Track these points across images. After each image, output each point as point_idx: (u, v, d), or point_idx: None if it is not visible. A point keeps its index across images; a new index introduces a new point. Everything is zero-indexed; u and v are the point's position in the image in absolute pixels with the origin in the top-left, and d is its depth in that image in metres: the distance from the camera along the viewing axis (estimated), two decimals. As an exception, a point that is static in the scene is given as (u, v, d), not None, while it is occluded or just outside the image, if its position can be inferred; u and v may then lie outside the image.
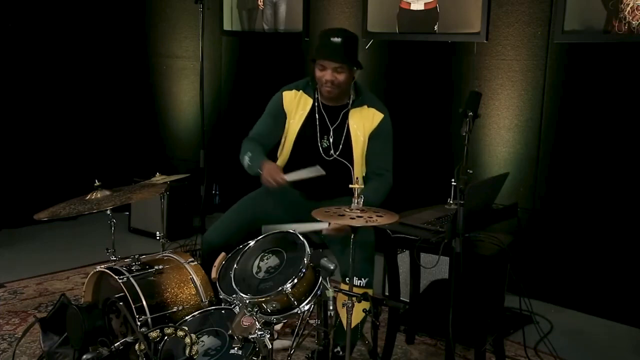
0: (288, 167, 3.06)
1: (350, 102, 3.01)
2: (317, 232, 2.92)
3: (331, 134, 3.00)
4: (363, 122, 2.99)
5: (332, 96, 2.96)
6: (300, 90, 3.05)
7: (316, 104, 3.03)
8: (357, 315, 2.62)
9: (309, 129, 3.02)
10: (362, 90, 3.05)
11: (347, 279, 2.72)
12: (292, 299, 2.38)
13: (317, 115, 3.02)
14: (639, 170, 3.51)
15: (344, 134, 2.99)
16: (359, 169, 2.99)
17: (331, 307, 2.40)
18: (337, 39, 2.86)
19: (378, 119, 2.99)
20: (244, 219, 3.02)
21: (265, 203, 3.08)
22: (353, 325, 2.52)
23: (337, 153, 2.99)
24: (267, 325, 2.40)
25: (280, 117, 3.07)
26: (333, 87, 2.90)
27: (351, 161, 2.99)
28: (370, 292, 2.77)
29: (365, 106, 3.00)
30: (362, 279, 2.75)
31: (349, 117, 2.99)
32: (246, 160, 2.97)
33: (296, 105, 3.04)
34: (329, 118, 3.02)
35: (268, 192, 3.11)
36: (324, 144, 3.01)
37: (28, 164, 5.13)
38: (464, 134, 2.42)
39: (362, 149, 2.99)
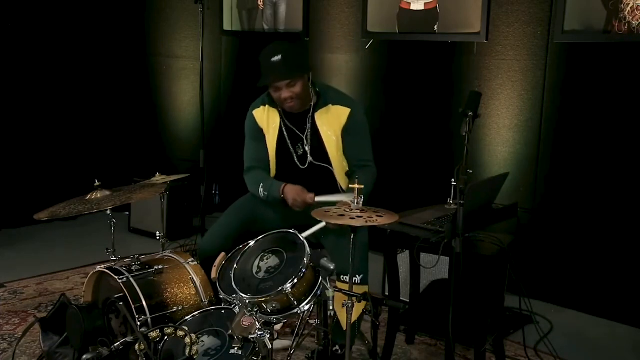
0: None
1: (313, 105, 2.99)
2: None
3: (305, 141, 3.00)
4: (330, 121, 2.97)
5: (296, 108, 2.95)
6: (267, 105, 3.04)
7: (281, 115, 3.02)
8: (355, 312, 2.62)
9: (283, 141, 3.03)
10: (322, 89, 3.02)
11: (341, 276, 2.75)
12: (292, 299, 2.39)
13: (285, 125, 3.02)
14: (638, 170, 3.51)
15: (316, 138, 2.98)
16: (339, 169, 3.00)
17: (331, 307, 2.41)
18: (276, 58, 2.82)
19: (345, 114, 2.97)
20: (237, 223, 3.04)
21: (258, 207, 3.09)
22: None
23: (312, 159, 2.99)
24: (267, 325, 2.40)
25: (261, 135, 3.06)
26: (293, 101, 2.90)
27: (329, 163, 2.99)
28: (366, 288, 2.78)
29: (330, 105, 2.98)
30: (357, 276, 2.77)
31: (315, 120, 2.98)
32: (261, 191, 2.99)
33: (267, 121, 3.04)
34: (296, 126, 3.01)
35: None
36: (299, 151, 3.01)
37: (28, 164, 5.13)
38: (464, 133, 2.42)
39: (337, 148, 2.98)
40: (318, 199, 2.86)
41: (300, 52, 2.97)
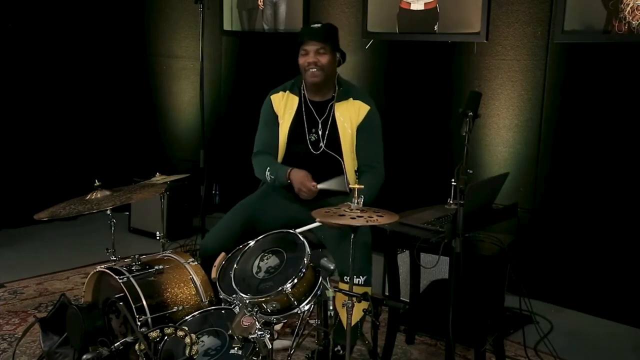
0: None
1: (335, 95, 3.04)
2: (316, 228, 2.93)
3: (319, 127, 3.03)
4: (349, 114, 3.02)
5: (317, 81, 2.98)
6: (287, 91, 3.11)
7: (302, 100, 3.07)
8: (356, 314, 2.62)
9: (298, 126, 3.06)
10: (345, 83, 3.10)
11: (345, 277, 2.73)
12: (292, 299, 2.38)
13: (304, 110, 3.06)
14: (638, 170, 3.51)
15: (332, 127, 3.02)
16: (349, 163, 3.02)
17: (331, 307, 2.40)
18: (317, 25, 3.00)
19: (364, 111, 3.03)
20: (241, 224, 3.04)
21: (261, 206, 3.09)
22: (352, 324, 2.52)
23: (324, 145, 3.01)
24: (267, 325, 2.40)
25: (275, 120, 3.11)
26: (317, 68, 2.95)
27: (340, 155, 3.02)
28: (369, 289, 2.77)
29: (351, 99, 3.04)
30: (361, 277, 2.76)
31: (335, 110, 3.03)
32: (267, 175, 3.02)
33: (284, 106, 3.09)
34: (316, 112, 3.05)
35: (264, 195, 3.13)
36: (312, 137, 3.04)
37: (28, 164, 5.13)
38: (464, 134, 2.42)
39: (351, 142, 3.02)
40: (320, 186, 2.90)
41: (337, 36, 3.07)
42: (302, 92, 3.09)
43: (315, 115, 3.05)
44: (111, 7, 5.50)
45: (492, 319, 2.85)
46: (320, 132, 3.02)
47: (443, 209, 3.00)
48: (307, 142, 3.04)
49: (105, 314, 2.66)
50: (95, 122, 5.52)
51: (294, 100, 3.09)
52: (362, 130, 3.02)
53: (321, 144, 3.01)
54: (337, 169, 3.01)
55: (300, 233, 2.58)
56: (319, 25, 3.00)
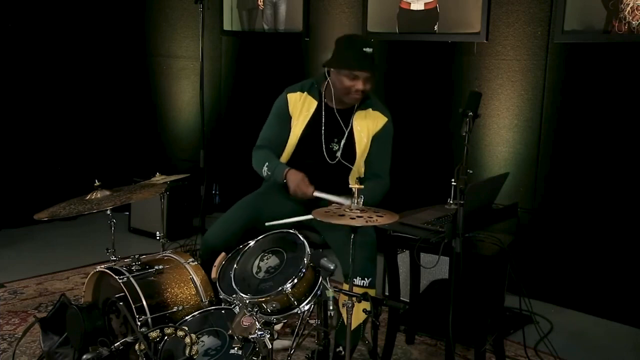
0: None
1: (356, 105, 3.02)
2: (317, 232, 2.93)
3: (344, 137, 3.00)
4: (367, 124, 3.01)
5: (355, 103, 2.98)
6: (305, 92, 3.05)
7: (322, 106, 3.03)
8: (359, 316, 2.62)
9: (312, 131, 3.02)
10: (368, 94, 3.05)
11: (354, 279, 2.72)
12: (292, 299, 2.39)
13: (323, 118, 3.02)
14: (638, 171, 3.51)
15: (350, 137, 3.00)
16: (356, 170, 3.01)
17: (331, 307, 2.40)
18: (369, 49, 2.87)
19: (382, 122, 3.04)
20: (243, 220, 3.02)
21: (264, 204, 3.08)
22: (355, 326, 2.51)
23: (340, 155, 2.99)
24: (267, 325, 2.40)
25: (287, 120, 3.06)
26: (360, 94, 2.93)
27: (353, 163, 3.01)
28: (373, 292, 2.77)
29: (370, 109, 3.03)
30: (366, 279, 2.75)
31: (353, 120, 3.01)
32: (264, 170, 2.99)
33: (300, 107, 3.03)
34: (341, 121, 3.02)
35: (267, 193, 3.12)
36: (334, 147, 3.01)
37: (28, 164, 5.13)
38: (464, 134, 2.42)
39: (364, 151, 3.01)
40: (317, 194, 2.86)
41: None
42: (323, 98, 3.03)
43: (341, 125, 3.01)
44: (111, 7, 5.50)
45: (492, 319, 2.86)
46: (342, 142, 3.00)
47: (443, 209, 3.00)
48: (323, 150, 3.00)
49: (105, 314, 2.66)
50: (95, 122, 5.52)
51: (312, 103, 3.03)
52: (377, 140, 3.02)
53: (338, 153, 3.00)
54: (347, 178, 2.99)
55: (293, 224, 2.57)
56: (371, 50, 2.87)
